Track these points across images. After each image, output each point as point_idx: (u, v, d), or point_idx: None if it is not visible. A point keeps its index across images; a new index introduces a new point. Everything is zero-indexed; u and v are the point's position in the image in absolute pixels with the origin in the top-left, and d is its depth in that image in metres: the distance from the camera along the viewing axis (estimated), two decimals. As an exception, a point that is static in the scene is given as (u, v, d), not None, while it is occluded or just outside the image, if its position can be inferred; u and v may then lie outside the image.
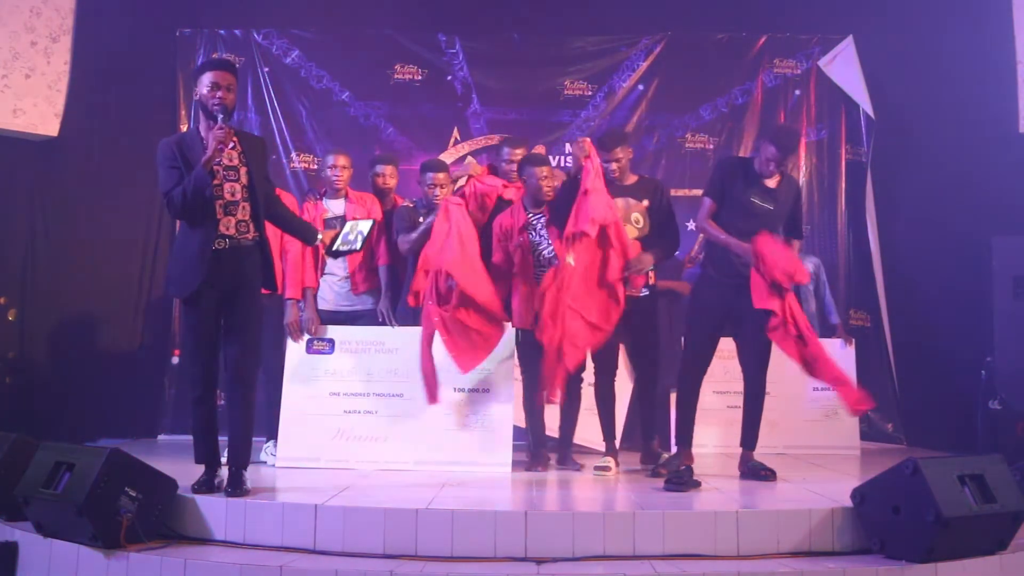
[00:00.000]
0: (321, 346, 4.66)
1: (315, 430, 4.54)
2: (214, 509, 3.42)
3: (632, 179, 4.55)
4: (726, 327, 4.35)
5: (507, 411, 4.52)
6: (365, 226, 3.97)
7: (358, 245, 3.97)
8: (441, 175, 4.77)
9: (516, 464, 4.47)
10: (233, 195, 3.65)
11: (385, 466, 4.42)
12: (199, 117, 3.76)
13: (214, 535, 3.38)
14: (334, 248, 3.98)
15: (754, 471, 4.19)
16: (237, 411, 3.70)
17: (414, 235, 4.66)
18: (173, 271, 3.81)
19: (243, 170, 3.68)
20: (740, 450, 4.37)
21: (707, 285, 4.38)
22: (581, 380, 4.68)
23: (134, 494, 3.28)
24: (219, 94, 3.61)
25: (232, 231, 3.65)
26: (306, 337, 4.67)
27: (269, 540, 3.29)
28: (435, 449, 4.46)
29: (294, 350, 4.67)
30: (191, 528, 3.42)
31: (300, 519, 3.28)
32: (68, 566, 3.28)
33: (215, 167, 3.61)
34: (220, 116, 3.60)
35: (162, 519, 3.39)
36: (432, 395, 4.36)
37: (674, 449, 4.53)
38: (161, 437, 6.15)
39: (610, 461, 4.41)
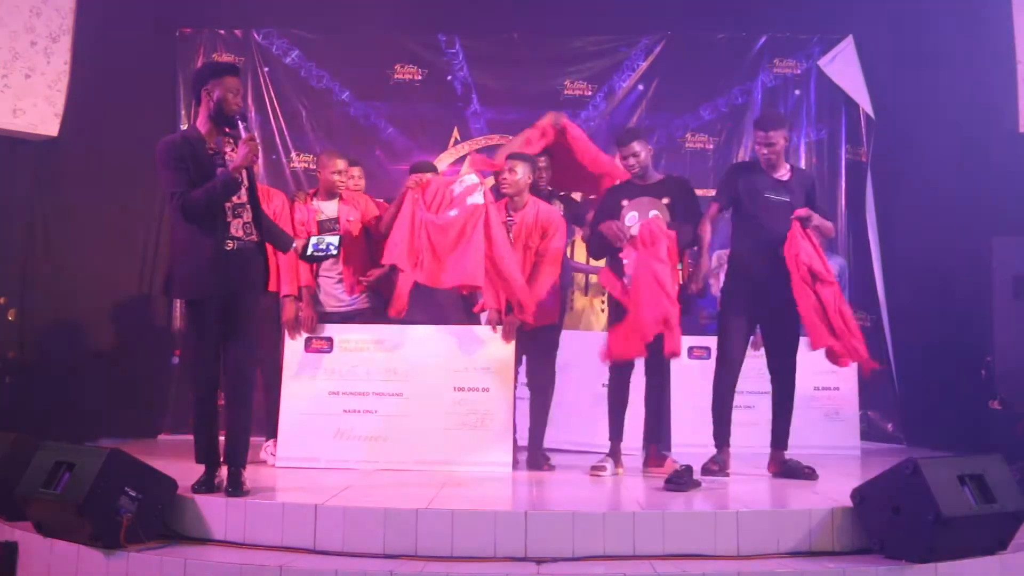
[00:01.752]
0: (320, 344, 4.65)
1: (315, 430, 4.53)
2: (214, 509, 3.42)
3: (656, 178, 4.57)
4: (755, 325, 4.42)
5: (507, 411, 4.51)
6: (333, 239, 4.10)
7: (333, 251, 4.08)
8: (427, 176, 4.76)
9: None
10: (239, 197, 3.67)
11: (385, 466, 4.41)
12: (196, 115, 3.75)
13: (214, 535, 3.38)
14: (308, 254, 4.04)
15: (795, 470, 4.23)
16: (236, 411, 3.70)
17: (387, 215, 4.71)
18: (181, 273, 3.64)
19: (244, 172, 3.69)
20: (742, 449, 4.37)
21: (734, 295, 4.40)
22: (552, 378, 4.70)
23: (134, 494, 3.28)
24: (239, 99, 3.66)
25: (240, 233, 3.67)
26: (304, 335, 4.66)
27: (269, 540, 3.29)
28: (435, 449, 4.45)
29: (293, 349, 4.65)
30: (191, 528, 3.41)
31: (300, 519, 3.28)
32: (68, 566, 3.28)
33: (222, 169, 3.62)
34: (243, 124, 3.64)
35: (162, 519, 3.39)
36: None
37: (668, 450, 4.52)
38: (161, 437, 6.14)
39: (608, 461, 4.40)
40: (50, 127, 6.07)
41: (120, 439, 5.62)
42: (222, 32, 6.67)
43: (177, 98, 6.56)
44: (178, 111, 6.56)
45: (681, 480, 3.86)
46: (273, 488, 3.90)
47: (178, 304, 6.36)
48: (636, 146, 4.45)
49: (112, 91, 6.23)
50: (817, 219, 4.29)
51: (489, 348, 4.54)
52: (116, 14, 6.24)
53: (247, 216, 3.71)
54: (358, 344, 4.65)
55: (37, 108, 6.01)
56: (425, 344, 4.60)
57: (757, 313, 4.35)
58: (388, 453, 4.48)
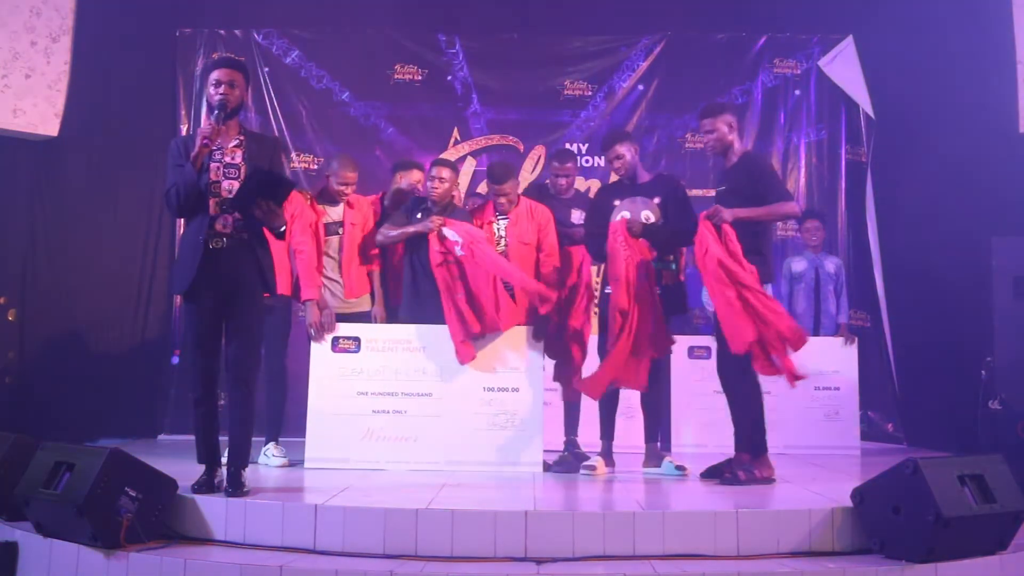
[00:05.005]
0: (347, 344, 4.61)
1: (344, 430, 4.51)
2: (214, 509, 3.42)
3: (646, 177, 4.59)
4: None
5: (537, 410, 4.51)
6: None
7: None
8: (445, 171, 4.74)
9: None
10: (231, 193, 3.61)
11: (415, 466, 4.41)
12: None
13: (214, 535, 3.38)
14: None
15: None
16: (237, 412, 3.70)
17: (393, 233, 4.65)
18: (174, 268, 3.82)
19: (244, 168, 3.63)
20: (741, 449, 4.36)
21: None
22: None
23: (134, 494, 3.27)
24: (221, 90, 3.62)
25: (229, 229, 3.61)
26: (330, 336, 4.62)
27: (269, 540, 3.29)
28: (465, 449, 4.46)
29: (319, 349, 4.61)
30: (191, 528, 3.41)
31: (300, 519, 3.28)
32: (68, 566, 3.28)
33: (214, 164, 3.60)
34: (215, 112, 3.59)
35: (162, 519, 3.38)
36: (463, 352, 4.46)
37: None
38: (161, 437, 6.15)
39: (598, 461, 4.41)
40: (50, 127, 6.07)
41: (120, 439, 5.62)
42: (222, 32, 6.67)
43: (177, 98, 6.58)
44: (178, 111, 6.57)
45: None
46: (273, 488, 3.90)
47: (177, 304, 6.37)
48: (619, 148, 4.49)
49: (112, 91, 6.24)
50: (730, 213, 4.05)
51: (518, 348, 4.55)
52: (116, 14, 6.25)
53: (236, 212, 3.63)
54: (386, 344, 4.60)
55: (37, 108, 6.01)
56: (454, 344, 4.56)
57: None
58: (418, 453, 4.47)
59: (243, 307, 3.67)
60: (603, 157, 4.58)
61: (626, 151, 4.49)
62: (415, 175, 5.02)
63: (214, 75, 3.66)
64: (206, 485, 3.57)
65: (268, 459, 4.65)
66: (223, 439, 3.76)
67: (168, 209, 3.75)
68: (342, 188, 4.81)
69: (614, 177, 4.90)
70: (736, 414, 4.23)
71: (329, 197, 4.87)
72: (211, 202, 3.58)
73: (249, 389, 3.72)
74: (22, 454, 3.69)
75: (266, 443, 4.73)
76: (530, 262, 4.63)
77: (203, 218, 3.59)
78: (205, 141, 3.53)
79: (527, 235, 4.64)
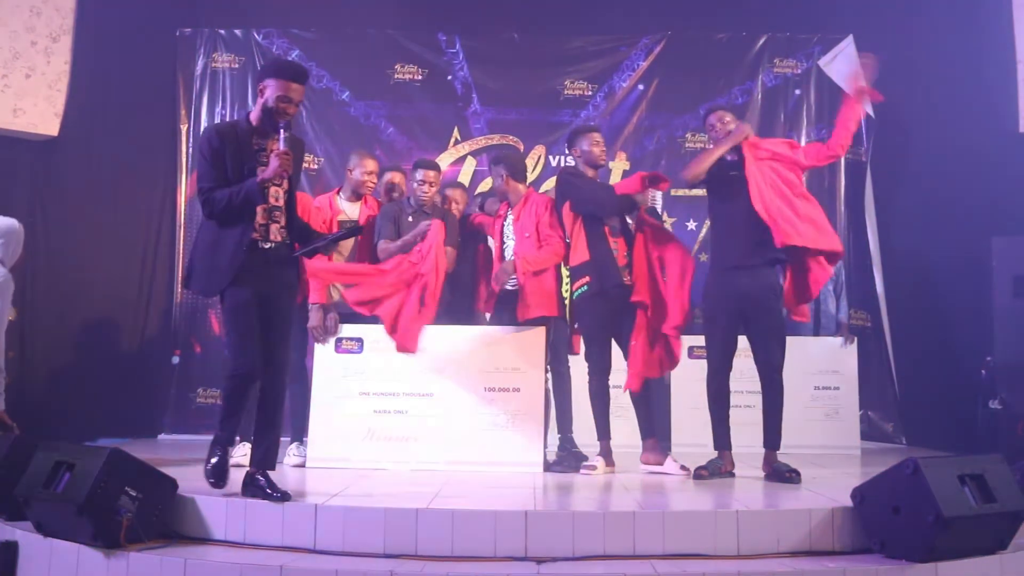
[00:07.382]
0: (350, 345, 4.64)
1: (346, 430, 4.53)
2: (214, 509, 3.42)
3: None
4: (740, 325, 4.27)
5: (538, 410, 4.52)
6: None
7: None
8: (431, 173, 4.77)
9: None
10: (277, 200, 3.57)
11: (416, 466, 4.43)
12: (251, 109, 3.61)
13: (214, 535, 3.38)
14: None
15: (779, 472, 4.13)
16: (269, 414, 3.59)
17: (393, 247, 4.62)
18: (201, 268, 3.56)
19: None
20: (743, 448, 4.36)
21: (716, 282, 4.31)
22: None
23: (134, 494, 3.27)
24: (291, 108, 3.51)
25: (278, 237, 3.57)
26: (333, 337, 4.63)
27: (269, 540, 3.29)
28: (466, 449, 4.47)
29: (322, 350, 4.65)
30: (191, 528, 3.41)
31: (300, 519, 3.28)
32: (68, 566, 3.28)
33: (250, 181, 3.47)
34: (284, 135, 3.47)
35: (162, 519, 3.38)
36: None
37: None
38: (161, 437, 6.15)
39: (598, 461, 4.41)
40: (50, 127, 6.07)
41: (120, 439, 5.62)
42: (222, 32, 6.68)
43: (177, 98, 6.59)
44: (178, 111, 6.58)
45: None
46: (273, 488, 3.89)
47: (177, 304, 6.39)
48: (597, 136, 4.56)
49: (112, 91, 6.24)
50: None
51: (519, 349, 4.56)
52: (116, 14, 6.25)
53: (283, 220, 3.59)
54: (388, 345, 4.56)
55: (37, 108, 6.01)
56: (455, 345, 4.60)
57: (741, 305, 4.21)
58: (419, 453, 4.49)
59: (285, 310, 3.62)
60: (582, 144, 4.54)
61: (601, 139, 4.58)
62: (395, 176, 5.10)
63: (289, 88, 3.49)
64: (221, 467, 3.47)
65: (290, 458, 4.63)
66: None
67: (205, 207, 3.49)
68: (367, 179, 4.86)
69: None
70: (780, 409, 4.24)
71: (352, 193, 4.89)
72: (259, 209, 3.51)
73: (285, 392, 3.69)
74: (22, 454, 3.68)
75: (291, 443, 4.70)
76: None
77: (248, 224, 3.49)
78: (284, 172, 3.46)
79: (526, 227, 4.64)
